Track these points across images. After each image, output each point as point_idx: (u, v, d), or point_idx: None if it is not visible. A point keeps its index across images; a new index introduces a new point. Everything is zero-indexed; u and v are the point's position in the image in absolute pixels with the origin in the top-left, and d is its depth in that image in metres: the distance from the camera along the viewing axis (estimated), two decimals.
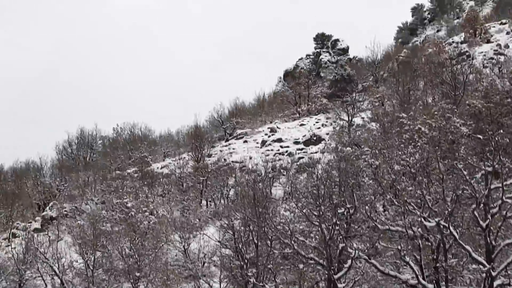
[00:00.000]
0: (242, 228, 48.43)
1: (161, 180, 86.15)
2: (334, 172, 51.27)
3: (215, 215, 69.82)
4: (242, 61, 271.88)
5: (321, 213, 40.26)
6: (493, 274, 31.35)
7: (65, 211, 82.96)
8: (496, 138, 33.46)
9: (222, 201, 77.89)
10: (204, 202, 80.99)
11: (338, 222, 39.55)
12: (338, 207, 40.33)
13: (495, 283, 31.84)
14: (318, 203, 40.93)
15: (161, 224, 67.27)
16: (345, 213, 40.62)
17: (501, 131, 36.65)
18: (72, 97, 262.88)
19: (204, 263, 59.53)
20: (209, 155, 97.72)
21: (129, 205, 71.26)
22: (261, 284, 41.98)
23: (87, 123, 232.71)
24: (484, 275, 31.67)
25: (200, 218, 71.54)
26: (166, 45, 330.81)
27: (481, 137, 41.37)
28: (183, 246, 62.86)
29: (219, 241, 54.24)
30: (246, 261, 44.52)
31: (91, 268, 56.21)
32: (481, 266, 31.74)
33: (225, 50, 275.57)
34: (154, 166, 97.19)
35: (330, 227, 39.55)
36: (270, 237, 43.28)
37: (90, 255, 56.95)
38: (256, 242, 44.63)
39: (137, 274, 53.33)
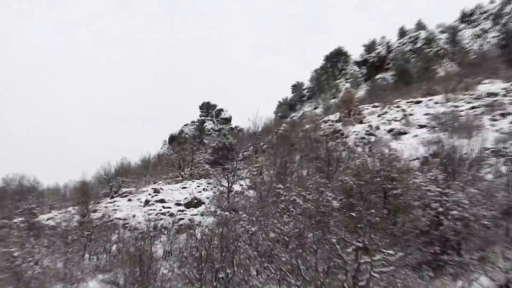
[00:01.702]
0: (126, 285, 50.10)
1: (47, 231, 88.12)
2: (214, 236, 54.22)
3: (97, 268, 72.38)
4: (134, 122, 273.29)
5: (202, 276, 42.54)
6: None
7: None
8: (367, 217, 37.73)
9: (105, 256, 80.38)
10: (87, 255, 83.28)
11: (218, 286, 41.93)
12: (219, 271, 42.92)
13: None
14: (200, 266, 43.25)
15: (45, 275, 69.39)
16: (224, 277, 42.85)
17: (372, 210, 41.20)
18: None
19: None
20: (95, 211, 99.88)
21: (15, 254, 73.01)
22: None
23: None
24: None
25: (82, 270, 73.81)
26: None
27: (354, 214, 44.95)
28: None
29: None
30: None
31: None
32: None
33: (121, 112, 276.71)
34: (41, 217, 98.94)
35: None
36: None
37: None
38: None
39: None
